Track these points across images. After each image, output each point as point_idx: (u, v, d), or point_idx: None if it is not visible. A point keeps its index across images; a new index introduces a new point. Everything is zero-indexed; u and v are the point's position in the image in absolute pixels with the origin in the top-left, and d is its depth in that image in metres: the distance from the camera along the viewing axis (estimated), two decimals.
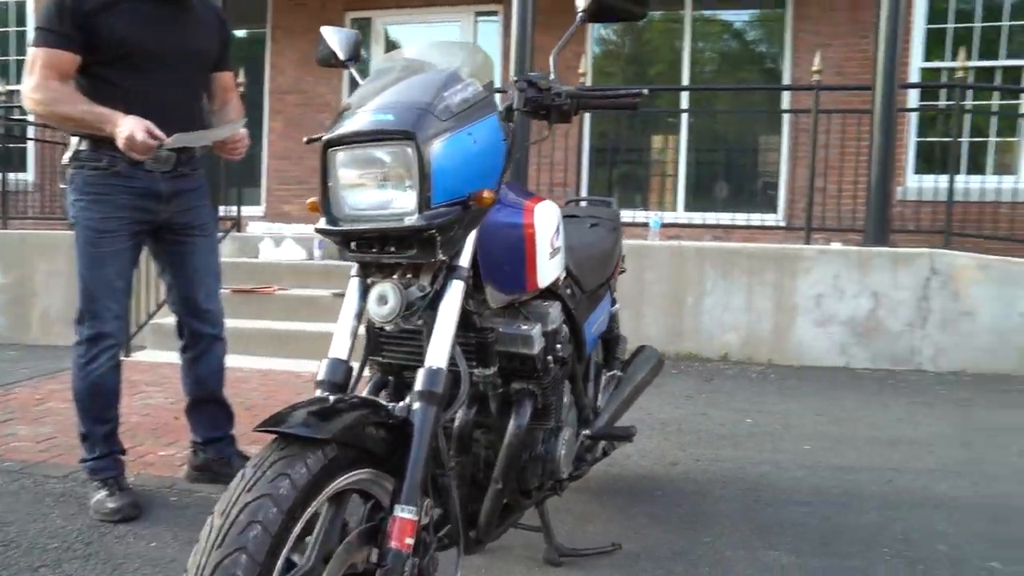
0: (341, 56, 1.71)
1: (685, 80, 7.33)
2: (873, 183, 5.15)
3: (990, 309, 4.68)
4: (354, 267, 1.47)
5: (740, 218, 6.50)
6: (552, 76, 1.59)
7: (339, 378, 1.37)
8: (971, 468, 2.97)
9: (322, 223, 1.38)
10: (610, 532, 2.27)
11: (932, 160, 6.67)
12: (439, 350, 1.33)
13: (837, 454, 3.13)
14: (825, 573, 2.07)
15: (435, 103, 1.31)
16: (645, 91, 1.69)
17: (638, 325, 5.18)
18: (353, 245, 1.38)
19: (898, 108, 5.78)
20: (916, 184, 6.69)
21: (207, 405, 2.53)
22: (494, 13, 7.63)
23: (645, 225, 5.99)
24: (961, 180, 5.68)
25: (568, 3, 1.69)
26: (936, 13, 6.81)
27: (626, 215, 5.35)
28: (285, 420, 1.15)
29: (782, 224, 6.87)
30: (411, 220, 1.29)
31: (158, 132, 2.08)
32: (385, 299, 1.33)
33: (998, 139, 6.92)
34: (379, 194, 1.33)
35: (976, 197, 5.95)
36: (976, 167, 6.78)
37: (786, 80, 7.10)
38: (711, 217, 6.39)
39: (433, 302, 1.37)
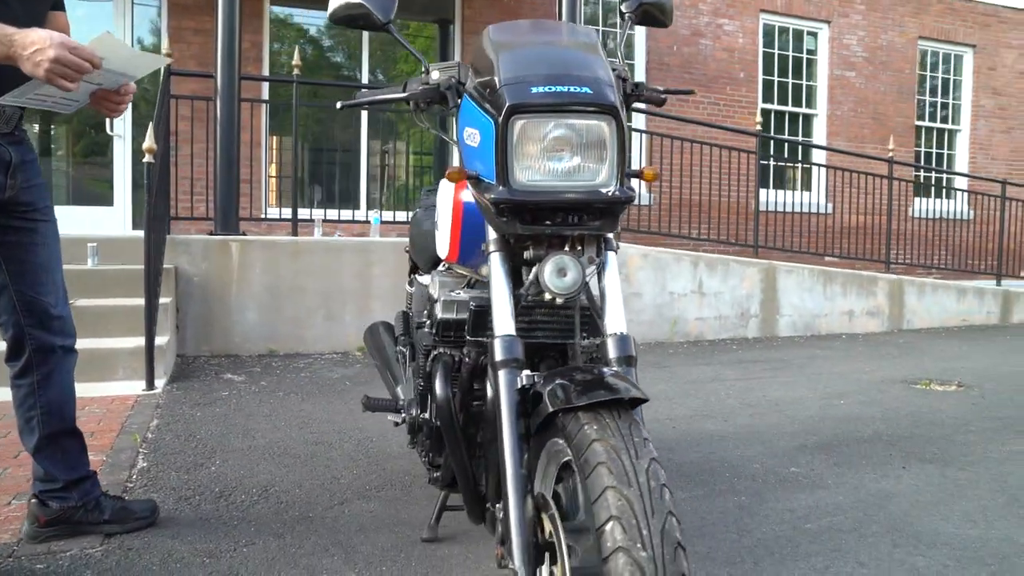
0: (381, 18, 1.58)
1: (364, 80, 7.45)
2: None
3: (651, 290, 5.86)
4: (491, 243, 1.42)
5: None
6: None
7: (520, 354, 1.34)
8: (709, 409, 3.82)
9: (497, 192, 1.32)
10: None
11: None
12: (617, 317, 1.40)
13: None
14: None
15: (614, 82, 1.37)
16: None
17: (366, 319, 5.19)
18: (526, 217, 1.35)
19: None
20: None
21: (64, 439, 1.96)
22: None
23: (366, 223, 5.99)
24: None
25: None
26: None
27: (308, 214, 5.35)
28: (598, 389, 1.13)
29: None
30: (612, 191, 1.34)
31: (88, 50, 1.57)
32: (565, 271, 1.34)
33: None
34: (573, 165, 1.33)
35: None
36: None
37: None
38: (400, 215, 6.64)
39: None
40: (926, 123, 10.18)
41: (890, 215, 7.78)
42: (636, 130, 7.45)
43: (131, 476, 2.56)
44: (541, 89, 1.30)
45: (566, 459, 1.27)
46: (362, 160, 7.38)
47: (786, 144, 9.31)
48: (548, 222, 1.35)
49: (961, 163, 10.35)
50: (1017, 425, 3.72)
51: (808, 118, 9.39)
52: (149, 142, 3.76)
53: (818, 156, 8.87)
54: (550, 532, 1.22)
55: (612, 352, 1.36)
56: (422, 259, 2.23)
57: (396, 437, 3.19)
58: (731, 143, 7.30)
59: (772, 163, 8.83)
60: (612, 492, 1.00)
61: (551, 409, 1.16)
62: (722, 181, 7.39)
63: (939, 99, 10.31)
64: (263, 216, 6.09)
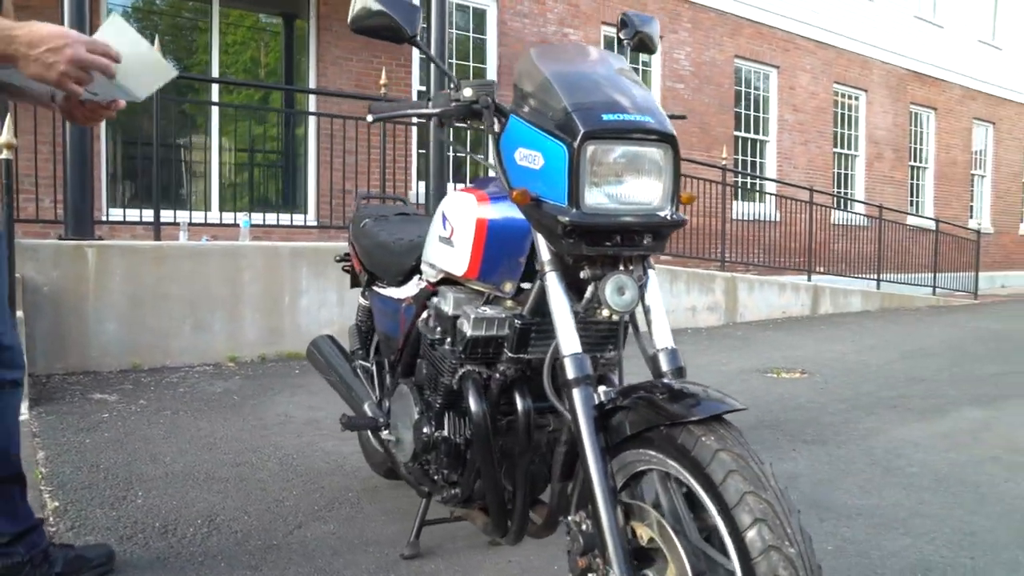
0: (408, 31, 1.56)
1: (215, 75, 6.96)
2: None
3: None
4: (547, 263, 1.45)
5: (273, 218, 6.54)
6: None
7: (591, 370, 1.39)
8: None
9: (571, 215, 1.36)
10: None
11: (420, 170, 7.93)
12: (665, 332, 1.49)
13: None
14: None
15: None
16: None
17: (237, 327, 4.93)
18: (590, 238, 1.40)
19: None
20: (421, 189, 7.86)
21: (8, 486, 1.71)
22: None
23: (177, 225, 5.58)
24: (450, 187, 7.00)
25: None
26: None
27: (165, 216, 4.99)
28: (699, 406, 1.21)
29: (314, 224, 7.19)
30: (668, 215, 1.42)
31: (103, 44, 1.36)
32: (624, 289, 1.41)
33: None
34: (639, 190, 1.40)
35: None
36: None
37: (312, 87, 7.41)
38: (241, 217, 6.28)
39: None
40: (742, 133, 11.27)
41: (723, 218, 8.54)
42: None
43: (47, 519, 2.27)
44: (611, 117, 1.36)
45: (642, 469, 1.34)
46: (214, 159, 6.91)
47: None
48: (608, 243, 1.41)
49: (770, 170, 11.57)
50: (860, 405, 4.28)
51: None
52: (7, 136, 3.31)
53: None
54: (641, 537, 1.28)
55: (665, 365, 1.45)
56: (389, 272, 2.19)
57: (316, 452, 3.08)
58: None
59: None
60: (752, 496, 1.09)
61: (659, 423, 1.22)
62: None
63: (752, 112, 11.45)
64: (122, 219, 5.52)
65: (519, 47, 8.71)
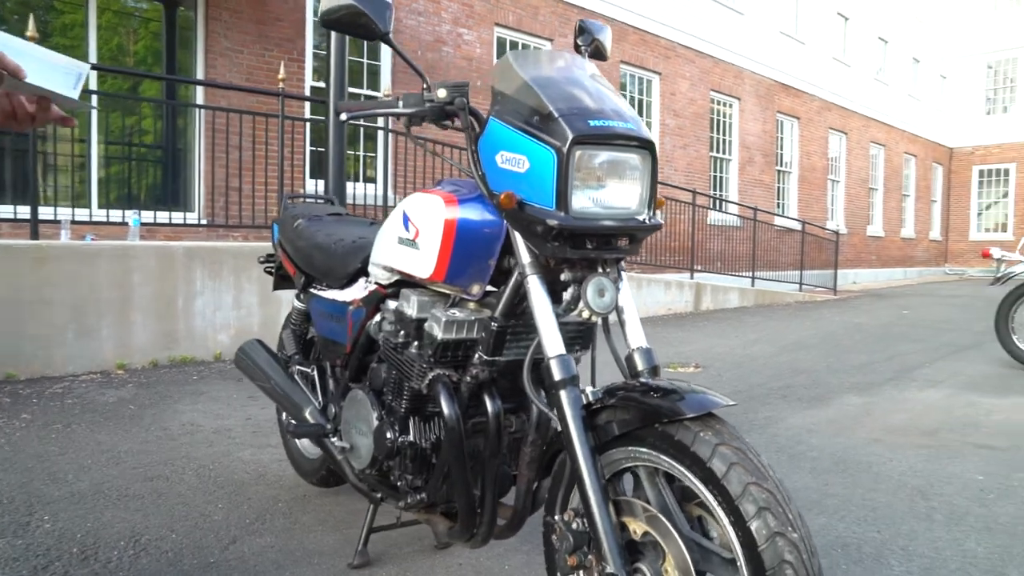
0: (381, 27, 1.54)
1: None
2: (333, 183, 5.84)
3: None
4: (528, 266, 1.46)
5: (161, 216, 6.19)
6: None
7: (576, 370, 1.42)
8: None
9: (559, 218, 1.37)
10: None
11: (316, 167, 7.71)
12: (639, 332, 1.54)
13: None
14: None
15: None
16: None
17: (127, 332, 4.62)
18: (573, 242, 1.43)
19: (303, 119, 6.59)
20: (312, 187, 7.63)
21: None
22: None
23: (56, 223, 5.19)
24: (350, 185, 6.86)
25: None
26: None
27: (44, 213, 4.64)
28: (691, 402, 1.26)
29: (203, 222, 6.84)
30: (646, 219, 1.47)
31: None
32: (604, 291, 1.45)
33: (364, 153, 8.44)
34: (620, 195, 1.44)
35: (349, 200, 7.20)
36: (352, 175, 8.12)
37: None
38: (131, 215, 5.92)
39: None
40: None
41: None
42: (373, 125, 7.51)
43: None
44: (596, 123, 1.39)
45: (627, 466, 1.39)
46: (93, 153, 6.42)
47: None
48: (590, 246, 1.45)
49: None
50: (755, 396, 4.56)
51: None
52: None
53: None
54: (634, 531, 1.32)
55: (640, 364, 1.50)
56: (331, 274, 2.13)
57: (234, 462, 2.95)
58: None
59: None
60: (755, 487, 1.15)
61: (654, 421, 1.26)
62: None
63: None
64: None
65: (414, 45, 8.63)
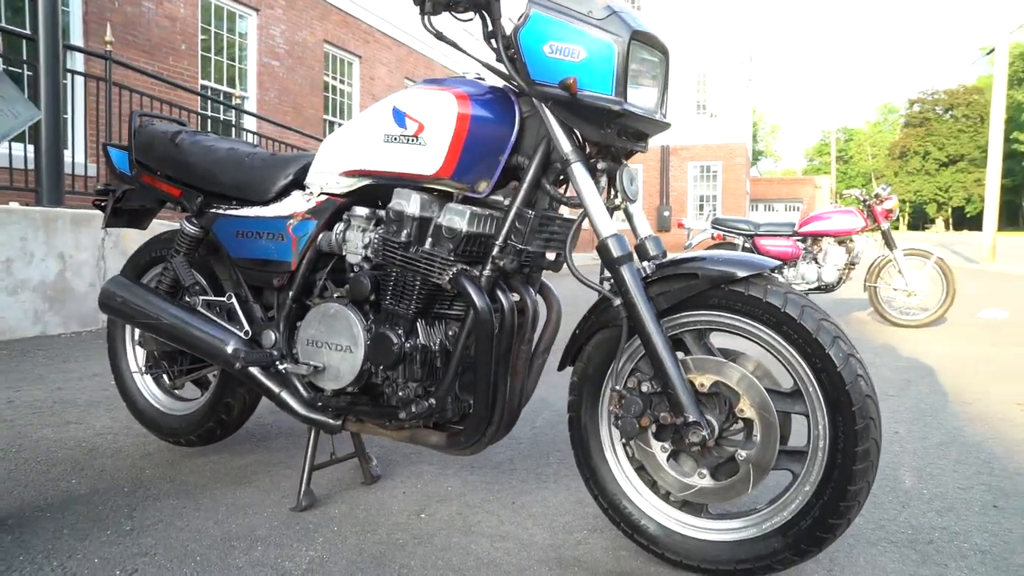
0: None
1: None
2: (45, 146, 4.91)
3: None
4: (572, 153, 1.54)
5: None
6: None
7: (630, 248, 1.54)
8: None
9: (621, 105, 1.48)
10: None
11: None
12: (645, 223, 1.71)
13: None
14: None
15: None
16: None
17: None
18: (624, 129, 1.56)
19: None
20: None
21: None
22: None
23: None
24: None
25: None
26: None
27: None
28: (752, 264, 1.46)
29: None
30: (665, 118, 1.64)
31: None
32: (632, 180, 1.62)
33: None
34: (650, 94, 1.58)
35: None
36: None
37: None
38: None
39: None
40: (330, 117, 11.50)
41: None
42: (80, 74, 6.53)
43: None
44: (639, 24, 1.53)
45: (674, 334, 1.55)
46: None
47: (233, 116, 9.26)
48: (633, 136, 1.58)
49: None
50: None
51: (241, 99, 9.57)
52: None
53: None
54: (701, 385, 1.49)
55: (652, 250, 1.66)
56: (251, 189, 1.94)
57: (93, 420, 2.44)
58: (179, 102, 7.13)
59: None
60: (826, 322, 1.41)
61: (722, 284, 1.45)
62: None
63: (339, 98, 11.76)
64: None
65: None
